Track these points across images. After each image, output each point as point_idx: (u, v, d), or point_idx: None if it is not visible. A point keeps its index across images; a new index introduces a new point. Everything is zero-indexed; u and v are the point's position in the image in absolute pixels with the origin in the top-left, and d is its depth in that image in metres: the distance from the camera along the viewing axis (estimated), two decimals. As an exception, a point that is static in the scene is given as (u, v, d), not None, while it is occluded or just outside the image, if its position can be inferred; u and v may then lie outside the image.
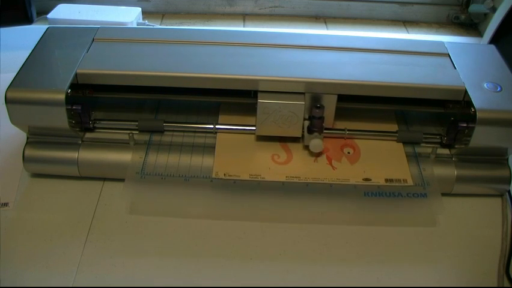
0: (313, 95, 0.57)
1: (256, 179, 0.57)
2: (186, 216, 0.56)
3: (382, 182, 0.57)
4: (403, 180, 0.57)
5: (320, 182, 0.57)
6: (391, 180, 0.57)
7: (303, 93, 0.57)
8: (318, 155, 0.59)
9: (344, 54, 0.62)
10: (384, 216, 0.57)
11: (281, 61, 0.60)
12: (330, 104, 0.58)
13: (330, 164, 0.59)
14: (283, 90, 0.57)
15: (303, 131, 0.59)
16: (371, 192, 0.56)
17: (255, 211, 0.57)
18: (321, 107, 0.57)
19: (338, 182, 0.57)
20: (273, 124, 0.58)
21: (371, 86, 0.57)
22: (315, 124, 0.58)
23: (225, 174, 0.57)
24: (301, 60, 0.60)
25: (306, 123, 0.58)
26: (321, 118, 0.57)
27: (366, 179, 0.57)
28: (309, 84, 0.57)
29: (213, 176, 0.56)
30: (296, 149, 0.60)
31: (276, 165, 0.58)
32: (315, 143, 0.57)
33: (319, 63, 0.60)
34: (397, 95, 0.58)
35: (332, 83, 0.57)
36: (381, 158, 0.59)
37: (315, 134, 0.57)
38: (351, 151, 0.60)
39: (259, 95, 0.57)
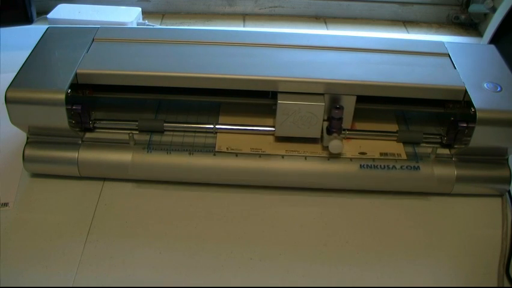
0: (332, 96, 0.57)
1: (257, 152, 0.58)
2: (190, 190, 0.58)
3: (377, 156, 0.59)
4: (397, 154, 0.59)
5: (318, 155, 0.59)
6: (386, 154, 0.59)
7: (323, 94, 0.57)
8: None
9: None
10: (379, 186, 0.60)
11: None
12: (349, 105, 0.58)
13: None
14: (303, 91, 0.57)
15: (322, 132, 0.59)
16: (366, 165, 0.58)
17: (253, 184, 0.59)
18: (341, 108, 0.57)
19: (335, 156, 0.59)
20: (293, 125, 0.58)
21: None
22: (334, 125, 0.58)
23: (227, 148, 0.58)
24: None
25: (325, 124, 0.59)
26: (340, 119, 0.57)
27: (362, 153, 0.59)
28: (329, 85, 0.57)
29: (216, 149, 0.58)
30: None
31: (276, 140, 0.60)
32: (335, 144, 0.57)
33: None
34: (397, 95, 0.58)
35: (352, 84, 0.57)
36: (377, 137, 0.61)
37: (334, 134, 0.58)
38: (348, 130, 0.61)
39: (279, 96, 0.57)
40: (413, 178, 0.58)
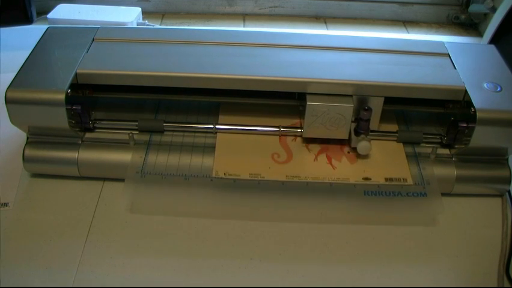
0: (360, 97, 0.57)
1: (256, 178, 0.56)
2: (186, 215, 0.56)
3: (382, 181, 0.57)
4: (403, 179, 0.57)
5: (320, 181, 0.57)
6: (391, 180, 0.57)
7: (351, 96, 0.57)
8: (318, 154, 0.59)
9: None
10: (384, 216, 0.57)
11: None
12: (376, 106, 0.58)
13: (330, 163, 0.59)
14: (332, 92, 0.57)
15: (349, 134, 0.59)
16: (371, 192, 0.57)
17: (255, 210, 0.57)
18: (369, 109, 0.57)
19: (337, 182, 0.57)
20: (321, 126, 0.57)
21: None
22: (362, 126, 0.58)
23: (225, 174, 0.56)
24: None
25: (353, 125, 0.58)
26: (368, 120, 0.57)
27: (366, 178, 0.57)
28: (358, 87, 0.57)
29: (213, 175, 0.56)
30: (296, 148, 0.60)
31: (276, 164, 0.58)
32: (364, 145, 0.57)
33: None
34: (397, 95, 0.58)
35: (381, 85, 0.57)
36: (381, 158, 0.59)
37: (362, 136, 0.57)
38: (351, 150, 0.60)
39: (308, 97, 0.57)
40: (419, 205, 0.56)
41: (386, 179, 0.57)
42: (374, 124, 0.59)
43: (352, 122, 0.58)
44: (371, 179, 0.57)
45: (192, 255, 0.53)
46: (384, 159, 0.59)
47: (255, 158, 0.58)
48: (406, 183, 0.57)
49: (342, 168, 0.58)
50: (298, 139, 0.60)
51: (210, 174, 0.57)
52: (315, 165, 0.58)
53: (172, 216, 0.56)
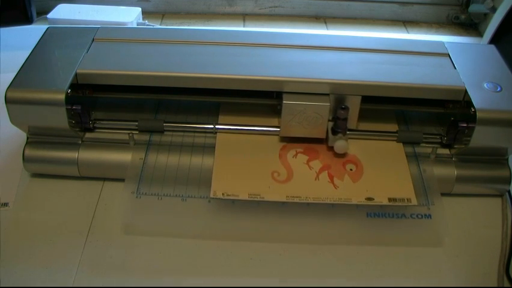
0: (337, 96, 0.57)
1: (256, 199, 0.54)
2: (183, 237, 0.55)
3: (385, 202, 0.54)
4: (407, 199, 0.54)
5: (321, 202, 0.55)
6: (394, 200, 0.54)
7: (328, 95, 0.57)
8: (319, 173, 0.57)
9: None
10: (387, 238, 0.55)
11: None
12: (354, 105, 0.58)
13: (332, 182, 0.56)
14: (308, 91, 0.57)
15: (327, 133, 0.58)
16: (373, 213, 0.56)
17: (253, 231, 0.56)
18: (346, 108, 0.57)
19: (339, 202, 0.54)
20: (298, 125, 0.57)
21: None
22: (339, 125, 0.57)
23: (223, 194, 0.54)
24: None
25: (330, 124, 0.58)
26: (346, 119, 0.57)
27: (369, 198, 0.54)
28: (335, 86, 0.57)
29: (211, 195, 0.53)
30: (297, 165, 0.58)
31: (276, 183, 0.55)
32: (341, 144, 0.57)
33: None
34: (397, 95, 0.58)
35: (357, 84, 0.57)
36: (384, 174, 0.57)
37: (339, 135, 0.57)
38: (354, 168, 0.58)
39: (284, 96, 0.56)
40: (424, 227, 0.55)
41: (390, 199, 0.54)
42: (352, 123, 0.59)
43: (329, 120, 0.58)
44: (373, 199, 0.54)
45: (192, 255, 0.53)
46: (388, 175, 0.57)
47: (254, 177, 0.56)
48: (410, 204, 0.54)
49: (344, 188, 0.55)
50: (299, 156, 0.59)
51: (208, 194, 0.54)
52: (316, 185, 0.56)
53: (170, 237, 0.55)
